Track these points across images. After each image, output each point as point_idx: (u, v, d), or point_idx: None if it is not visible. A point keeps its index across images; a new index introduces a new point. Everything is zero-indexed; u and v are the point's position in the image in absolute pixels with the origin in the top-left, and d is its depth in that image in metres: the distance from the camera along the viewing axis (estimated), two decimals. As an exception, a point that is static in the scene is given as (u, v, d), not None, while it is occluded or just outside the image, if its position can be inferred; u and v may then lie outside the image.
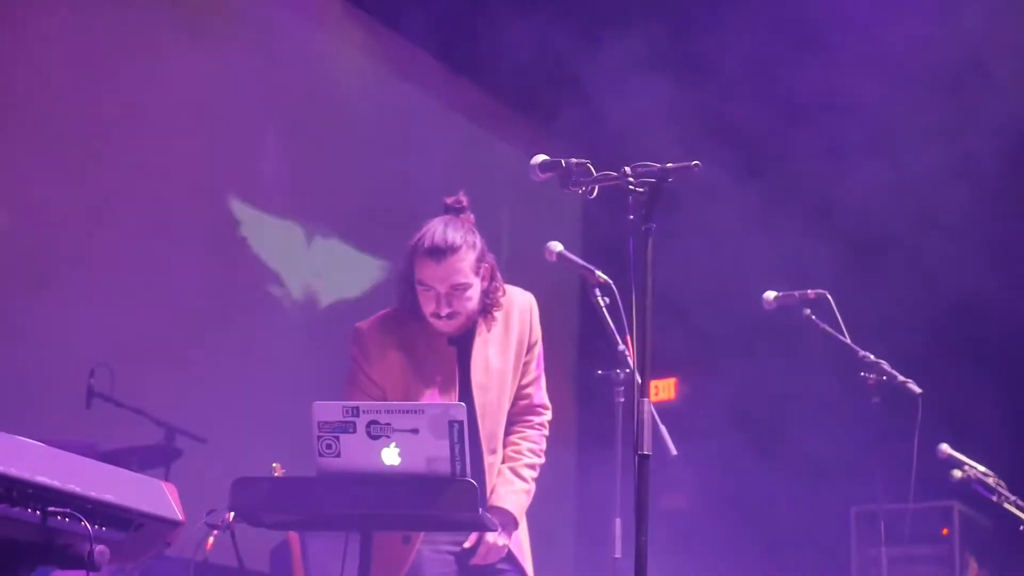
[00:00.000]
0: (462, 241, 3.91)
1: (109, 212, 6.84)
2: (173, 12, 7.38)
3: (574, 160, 3.29)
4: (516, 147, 9.56)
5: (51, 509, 2.42)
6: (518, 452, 4.09)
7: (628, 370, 4.08)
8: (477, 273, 3.96)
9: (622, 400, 4.42)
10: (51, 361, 6.15)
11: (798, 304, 4.53)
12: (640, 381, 3.06)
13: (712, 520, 8.40)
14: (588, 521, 8.85)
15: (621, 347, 3.93)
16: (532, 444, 4.13)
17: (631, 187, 3.09)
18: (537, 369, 4.20)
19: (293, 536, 4.32)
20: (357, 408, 3.33)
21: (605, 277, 3.97)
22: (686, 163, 3.06)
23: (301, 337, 7.85)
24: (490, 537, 3.87)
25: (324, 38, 8.50)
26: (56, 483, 2.43)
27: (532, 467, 4.09)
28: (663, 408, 4.11)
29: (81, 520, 2.44)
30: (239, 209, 7.76)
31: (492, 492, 3.96)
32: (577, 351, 9.76)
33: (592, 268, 4.00)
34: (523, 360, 4.14)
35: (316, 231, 8.25)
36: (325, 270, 8.31)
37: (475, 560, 3.91)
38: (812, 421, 7.74)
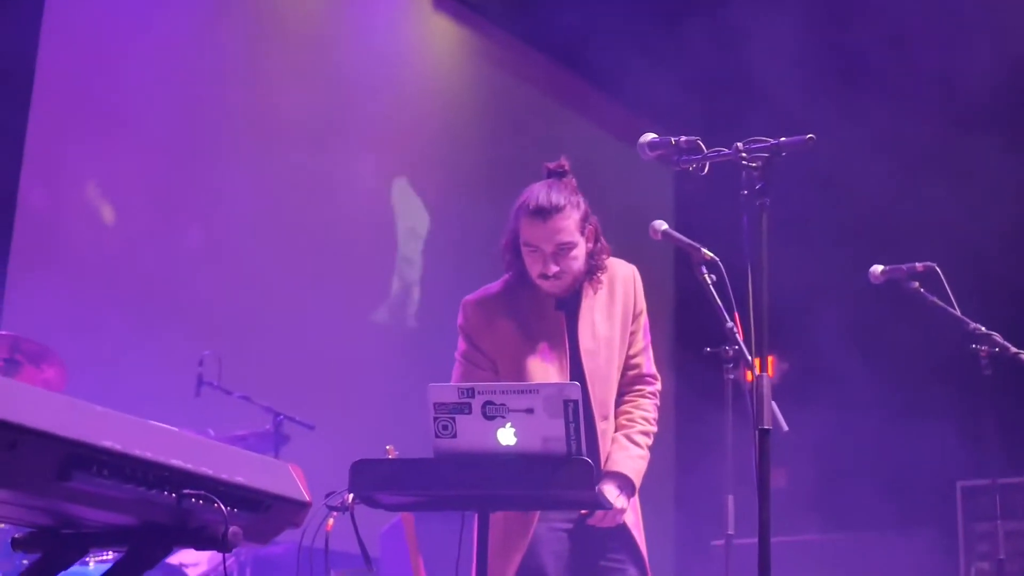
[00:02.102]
0: (566, 201, 3.97)
1: (215, 204, 6.97)
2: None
3: (683, 138, 3.29)
4: (604, 129, 9.58)
5: (186, 491, 2.46)
6: (631, 420, 4.12)
7: (736, 347, 4.07)
8: (582, 233, 4.01)
9: (731, 377, 4.40)
10: (159, 351, 6.28)
11: (906, 277, 4.48)
12: (756, 356, 3.06)
13: (810, 498, 8.35)
14: (687, 500, 8.87)
15: (729, 324, 3.92)
16: (645, 412, 4.15)
17: (744, 162, 3.08)
18: (644, 339, 4.24)
19: (407, 517, 4.36)
20: (472, 389, 3.36)
21: (711, 254, 3.95)
22: (800, 137, 3.05)
23: (404, 322, 7.93)
24: (610, 498, 3.89)
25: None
26: (190, 466, 2.47)
27: (647, 434, 4.11)
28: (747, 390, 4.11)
29: (215, 502, 2.49)
30: (348, 195, 7.85)
31: (607, 459, 4.00)
32: (674, 331, 9.76)
33: (698, 246, 3.98)
34: (630, 330, 4.18)
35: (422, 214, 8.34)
36: (431, 251, 8.39)
37: (592, 521, 3.90)
38: (917, 396, 7.66)
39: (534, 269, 3.98)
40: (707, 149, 3.23)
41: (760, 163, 3.06)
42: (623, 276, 4.21)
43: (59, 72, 6.53)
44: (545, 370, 4.00)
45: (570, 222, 3.97)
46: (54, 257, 6.33)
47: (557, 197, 3.96)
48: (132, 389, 5.84)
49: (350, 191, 7.89)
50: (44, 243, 6.35)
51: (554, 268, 3.96)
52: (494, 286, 4.14)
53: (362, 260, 7.95)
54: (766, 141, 3.07)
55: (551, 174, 4.11)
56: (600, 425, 4.02)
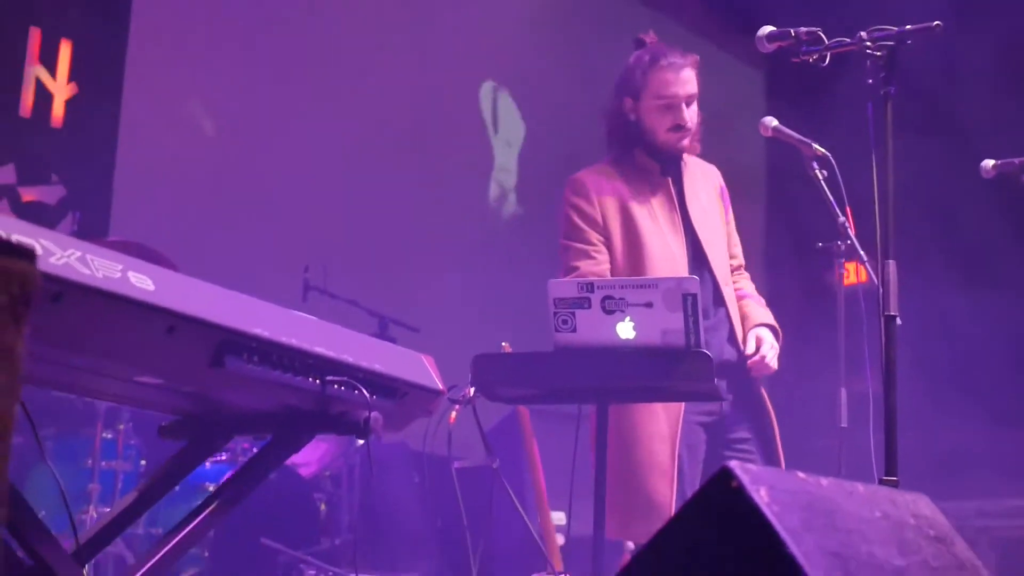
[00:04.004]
0: (688, 55, 4.09)
1: (314, 115, 7.04)
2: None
3: (803, 29, 3.28)
4: (694, 31, 9.51)
5: (329, 378, 2.54)
6: (749, 293, 4.28)
7: (849, 242, 4.09)
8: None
9: (843, 272, 4.41)
10: (267, 258, 6.39)
11: (1018, 171, 4.43)
12: (882, 246, 3.07)
13: (908, 397, 8.32)
14: (782, 399, 8.87)
15: (841, 219, 3.95)
16: (756, 294, 4.30)
17: (868, 51, 3.07)
18: (737, 235, 4.31)
19: (523, 410, 4.43)
20: (592, 284, 3.40)
21: (823, 150, 3.96)
22: (927, 23, 3.03)
23: (500, 228, 7.99)
24: (767, 341, 3.96)
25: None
26: (332, 354, 2.55)
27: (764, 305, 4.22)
28: (862, 290, 4.12)
29: (357, 388, 2.57)
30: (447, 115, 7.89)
31: (744, 318, 4.11)
32: (765, 226, 9.73)
33: (809, 141, 4.00)
34: (725, 220, 4.27)
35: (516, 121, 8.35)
36: (525, 159, 8.42)
37: (753, 362, 4.00)
38: (1015, 295, 7.58)
39: (666, 122, 4.05)
40: (828, 39, 3.21)
41: (885, 52, 3.05)
42: (709, 170, 4.33)
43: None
44: (660, 233, 4.04)
45: (695, 74, 4.09)
46: (158, 170, 6.44)
47: (680, 52, 4.08)
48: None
49: (445, 97, 7.92)
50: (148, 156, 6.46)
51: (686, 118, 4.04)
52: (597, 165, 4.18)
53: (459, 166, 7.99)
54: (890, 29, 3.05)
55: (642, 44, 4.18)
56: (724, 289, 4.11)
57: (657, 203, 4.10)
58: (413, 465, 5.80)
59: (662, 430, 3.91)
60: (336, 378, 2.55)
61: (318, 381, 2.53)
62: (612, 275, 3.99)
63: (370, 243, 6.98)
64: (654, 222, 4.06)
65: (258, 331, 2.39)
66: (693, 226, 4.13)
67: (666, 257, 4.02)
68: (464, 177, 8.07)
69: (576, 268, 3.99)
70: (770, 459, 4.06)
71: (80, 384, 2.50)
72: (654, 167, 4.14)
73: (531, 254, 7.47)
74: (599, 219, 4.04)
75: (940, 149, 7.61)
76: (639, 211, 4.05)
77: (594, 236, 4.03)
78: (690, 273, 4.01)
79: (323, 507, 5.81)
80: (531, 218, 8.24)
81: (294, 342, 2.47)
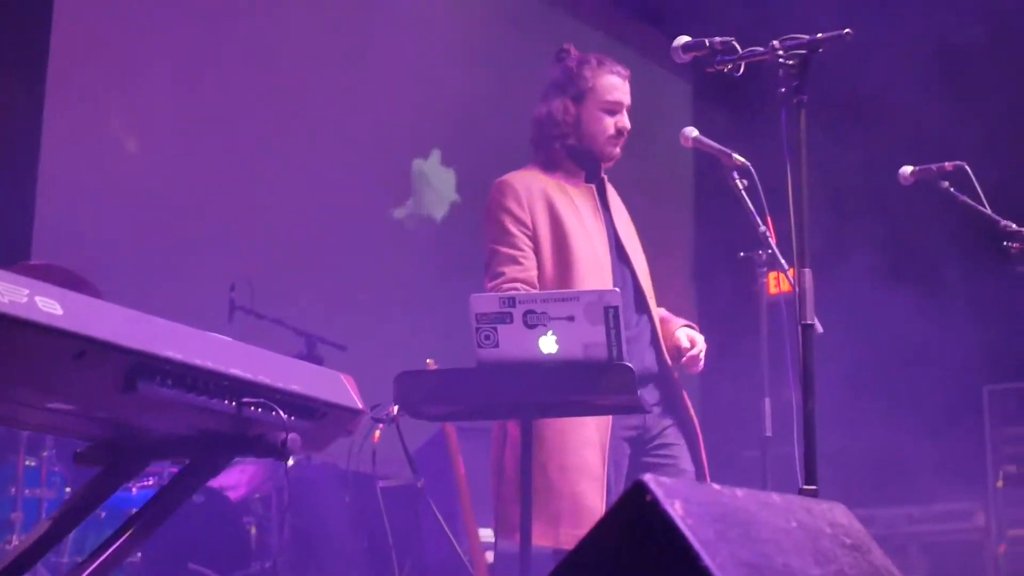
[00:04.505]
0: None
1: (238, 132, 7.00)
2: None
3: (718, 39, 3.30)
4: (621, 40, 9.55)
5: (245, 400, 2.51)
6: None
7: (770, 251, 4.11)
8: None
9: (764, 282, 4.44)
10: (193, 278, 6.34)
11: (936, 177, 4.49)
12: (798, 256, 3.09)
13: (835, 405, 8.39)
14: (709, 408, 8.93)
15: (762, 228, 3.97)
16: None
17: (780, 60, 3.09)
18: None
19: (449, 428, 4.42)
20: (513, 299, 3.39)
21: (743, 159, 3.98)
22: (837, 31, 3.05)
23: (422, 244, 7.98)
24: (701, 342, 4.03)
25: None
26: (248, 375, 2.52)
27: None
28: (784, 299, 4.15)
29: (274, 409, 2.54)
30: (363, 134, 7.87)
31: (664, 321, 4.16)
32: (694, 237, 9.79)
33: (729, 151, 4.02)
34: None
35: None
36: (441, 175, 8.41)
37: (686, 360, 4.06)
38: (944, 299, 7.67)
39: (609, 130, 4.09)
40: (742, 49, 3.23)
41: (797, 60, 3.08)
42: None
43: (78, 5, 6.53)
44: (588, 238, 4.04)
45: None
46: (80, 188, 6.37)
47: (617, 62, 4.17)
48: (164, 316, 5.89)
49: (372, 109, 7.89)
50: (71, 173, 6.37)
51: (625, 125, 4.11)
52: (523, 169, 4.17)
53: (383, 179, 7.96)
54: (802, 38, 3.08)
55: (565, 54, 4.22)
56: (647, 298, 4.14)
57: (584, 208, 4.10)
58: (343, 485, 5.76)
59: (591, 436, 3.91)
60: (252, 400, 2.52)
61: (234, 403, 2.50)
62: (539, 280, 3.98)
63: (296, 261, 6.94)
64: (582, 227, 4.05)
65: (170, 354, 2.36)
66: (617, 234, 4.16)
67: (593, 262, 4.02)
68: (387, 192, 8.04)
69: (502, 273, 3.96)
70: (695, 464, 4.08)
71: (-11, 412, 2.45)
72: (580, 173, 4.16)
73: (459, 269, 7.47)
74: (529, 222, 4.01)
75: (866, 151, 7.70)
76: (567, 216, 4.04)
77: (522, 241, 4.01)
78: (614, 280, 4.03)
79: (253, 530, 5.75)
80: (459, 229, 8.23)
81: (208, 364, 2.44)
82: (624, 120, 4.11)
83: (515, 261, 3.98)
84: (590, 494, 3.86)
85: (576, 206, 4.08)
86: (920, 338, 7.77)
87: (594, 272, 3.99)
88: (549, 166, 4.14)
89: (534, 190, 4.05)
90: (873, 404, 8.08)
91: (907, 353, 7.86)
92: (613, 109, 4.11)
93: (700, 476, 4.11)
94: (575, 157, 4.14)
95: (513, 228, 4.01)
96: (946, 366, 7.79)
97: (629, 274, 4.11)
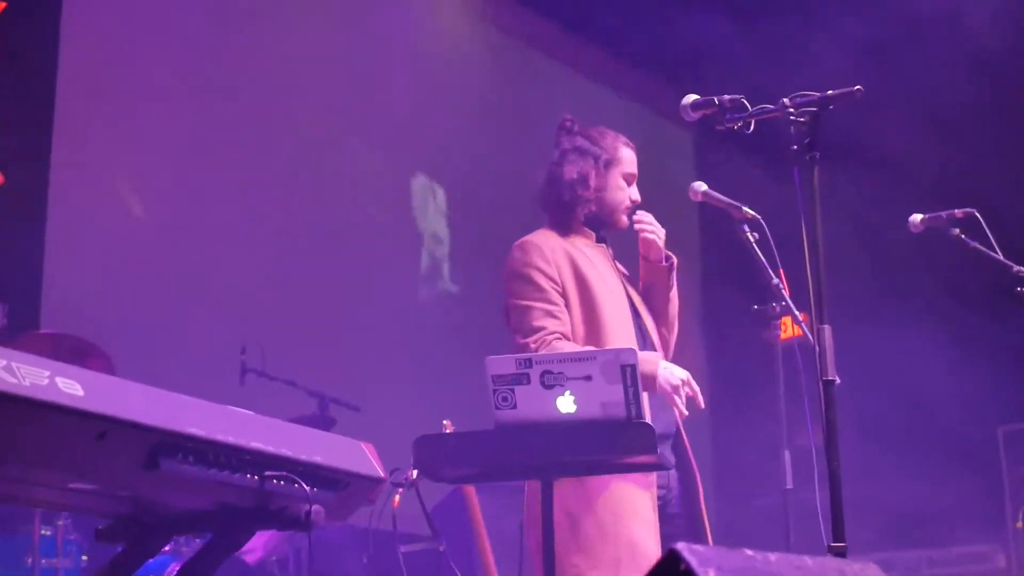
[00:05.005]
0: None
1: (242, 194, 7.01)
2: None
3: (727, 97, 3.31)
4: (618, 93, 9.60)
5: (268, 473, 2.50)
6: None
7: (784, 303, 4.10)
8: None
9: (777, 334, 4.43)
10: (203, 341, 6.33)
11: (946, 224, 4.48)
12: (816, 309, 3.08)
13: (852, 450, 8.35)
14: (724, 460, 8.89)
15: (775, 281, 3.96)
16: None
17: (791, 117, 3.09)
18: None
19: (469, 490, 4.39)
20: (529, 360, 3.37)
21: (753, 213, 3.99)
22: (848, 89, 3.06)
23: (435, 300, 7.98)
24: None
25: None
26: (270, 448, 2.51)
27: None
28: (798, 344, 4.14)
29: (297, 482, 2.53)
30: (374, 194, 7.91)
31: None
32: (701, 290, 9.79)
33: (739, 204, 4.02)
34: None
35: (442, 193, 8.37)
36: (454, 235, 8.44)
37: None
38: (959, 343, 7.65)
39: (626, 201, 4.16)
40: (752, 106, 3.24)
41: (808, 117, 3.08)
42: None
43: (81, 70, 6.55)
44: (611, 296, 4.05)
45: None
46: (88, 253, 6.37)
47: None
48: (176, 380, 5.86)
49: (371, 177, 7.92)
50: (78, 239, 6.38)
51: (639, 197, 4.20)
52: (540, 231, 4.17)
53: (390, 240, 7.98)
54: (812, 95, 3.09)
55: (570, 125, 4.26)
56: (662, 355, 4.11)
57: (602, 268, 4.12)
58: (361, 545, 5.72)
59: (638, 479, 3.90)
60: (274, 473, 2.52)
61: (256, 477, 2.50)
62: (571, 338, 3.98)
63: (307, 322, 6.94)
64: (604, 285, 4.07)
65: (192, 430, 2.35)
66: (629, 292, 4.17)
67: (618, 320, 4.03)
68: (395, 248, 8.06)
69: (542, 328, 3.94)
70: (694, 511, 4.07)
71: (10, 493, 2.44)
72: (591, 235, 4.19)
73: (468, 327, 7.48)
74: (558, 280, 4.01)
75: (879, 200, 7.71)
76: (591, 275, 4.05)
77: (555, 296, 4.00)
78: (636, 336, 4.04)
79: (270, 593, 5.72)
80: (464, 290, 8.24)
81: (230, 439, 2.44)
82: (635, 193, 4.18)
83: (552, 316, 3.97)
84: (647, 539, 3.87)
85: (595, 265, 4.10)
86: (933, 381, 7.74)
87: (621, 329, 4.00)
88: (565, 228, 4.16)
89: (557, 250, 4.06)
90: (888, 447, 8.04)
91: (920, 396, 7.83)
92: (629, 181, 4.18)
93: (698, 522, 4.08)
94: (589, 222, 4.17)
95: (545, 284, 4.00)
96: (960, 408, 7.76)
97: (647, 337, 4.12)
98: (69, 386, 2.16)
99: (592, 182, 4.09)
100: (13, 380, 2.05)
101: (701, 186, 4.16)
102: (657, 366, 3.89)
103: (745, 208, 4.00)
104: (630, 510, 3.89)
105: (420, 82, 8.27)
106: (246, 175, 7.06)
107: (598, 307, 4.00)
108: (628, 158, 4.18)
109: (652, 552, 3.86)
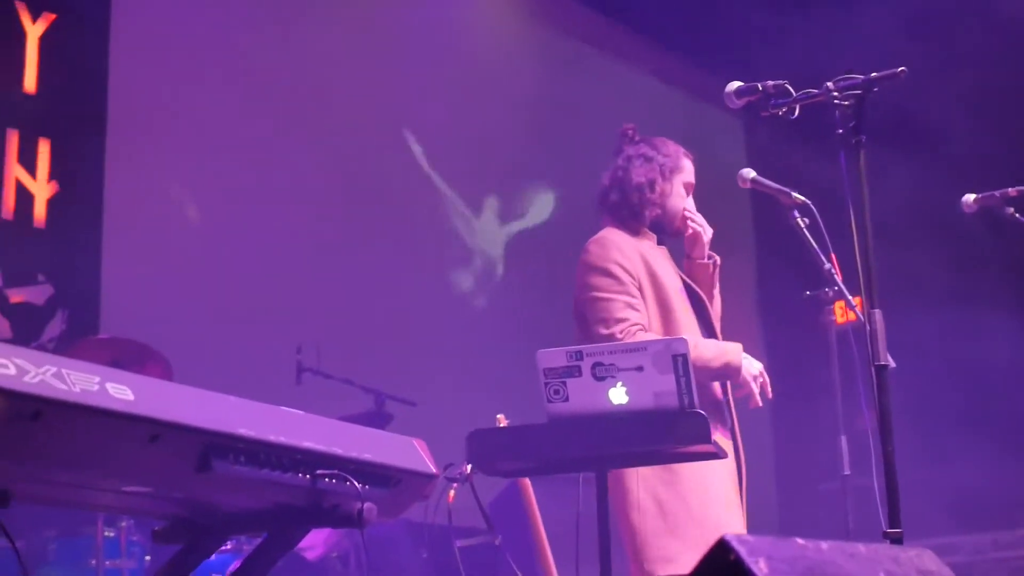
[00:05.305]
0: None
1: (300, 195, 7.06)
2: None
3: (771, 83, 3.29)
4: (673, 85, 9.56)
5: (319, 472, 2.52)
6: None
7: (836, 288, 4.07)
8: None
9: (831, 319, 4.40)
10: (260, 342, 6.38)
11: (1000, 203, 4.42)
12: (866, 294, 3.05)
13: (917, 430, 8.25)
14: (785, 446, 8.83)
15: (827, 266, 3.94)
16: None
17: (836, 101, 3.07)
18: None
19: (525, 483, 4.40)
20: (580, 352, 3.37)
21: (803, 198, 3.96)
22: (892, 70, 3.03)
23: (489, 295, 7.99)
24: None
25: None
26: (322, 447, 2.52)
27: None
28: (852, 328, 4.10)
29: (348, 480, 2.54)
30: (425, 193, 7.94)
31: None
32: (756, 275, 9.73)
33: (788, 191, 4.00)
34: None
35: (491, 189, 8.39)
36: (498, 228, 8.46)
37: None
38: (1019, 324, 7.55)
39: (685, 208, 4.26)
40: (795, 91, 3.21)
41: (852, 100, 3.05)
42: None
43: (132, 76, 6.62)
44: (680, 293, 4.16)
45: None
46: (145, 261, 6.44)
47: None
48: (234, 382, 5.92)
49: (423, 175, 7.95)
50: (134, 248, 6.45)
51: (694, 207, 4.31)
52: (608, 230, 4.24)
53: (444, 237, 8.01)
54: (856, 78, 3.06)
55: (632, 134, 4.37)
56: None
57: (667, 267, 4.22)
58: (420, 541, 5.74)
59: (724, 464, 3.96)
60: (326, 471, 2.53)
61: (308, 476, 2.51)
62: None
63: (361, 320, 6.98)
64: (672, 282, 4.16)
65: (243, 431, 2.37)
66: (690, 289, 4.26)
67: (686, 315, 4.13)
68: (451, 244, 8.08)
69: (625, 319, 4.00)
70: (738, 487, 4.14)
71: (66, 498, 2.47)
72: (653, 237, 4.29)
73: (526, 322, 7.48)
74: (635, 275, 4.09)
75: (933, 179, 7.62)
76: (662, 272, 4.15)
77: (634, 290, 4.08)
78: (703, 333, 4.15)
79: (333, 588, 5.75)
80: (518, 284, 8.25)
81: (281, 439, 2.45)
82: (692, 203, 4.29)
83: (633, 308, 4.04)
84: (733, 520, 3.97)
85: (662, 266, 4.19)
86: (1000, 362, 7.65)
87: (690, 324, 4.10)
88: (631, 230, 4.24)
89: (632, 248, 4.16)
90: (954, 429, 7.94)
91: (987, 377, 7.74)
92: (688, 190, 4.29)
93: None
94: (652, 226, 4.28)
95: (625, 278, 4.07)
96: (1013, 394, 7.67)
97: (711, 325, 4.24)
98: (119, 391, 2.18)
99: (658, 187, 4.22)
100: (63, 387, 2.07)
101: (750, 173, 4.15)
102: (741, 357, 4.01)
103: (795, 194, 3.97)
104: (716, 493, 3.98)
105: (467, 79, 8.27)
106: (299, 177, 7.10)
107: (669, 301, 4.10)
108: (688, 168, 4.30)
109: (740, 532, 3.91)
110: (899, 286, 8.32)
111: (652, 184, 4.21)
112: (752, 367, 4.03)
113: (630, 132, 4.37)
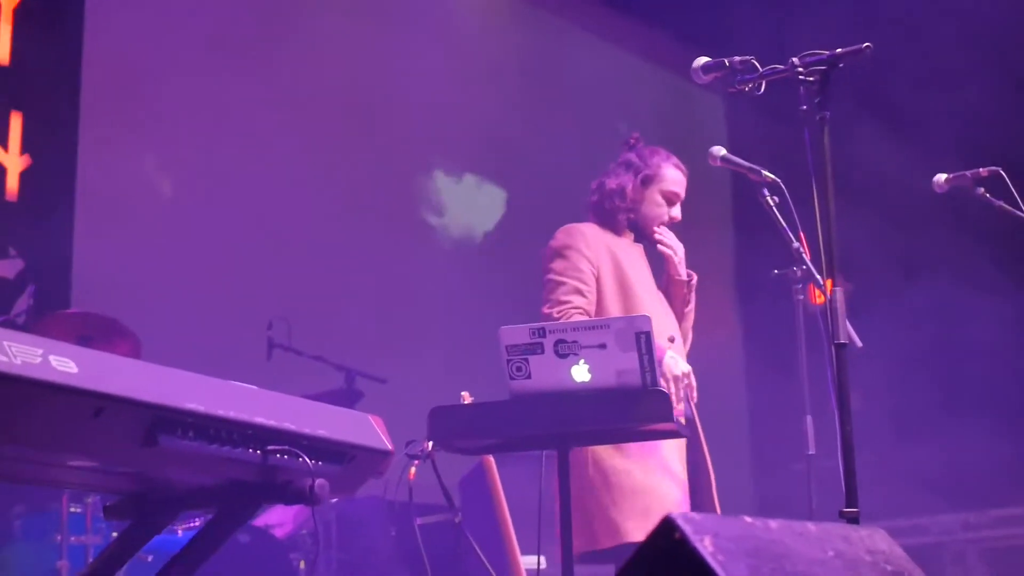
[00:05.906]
0: None
1: (271, 170, 7.02)
2: None
3: (738, 58, 3.27)
4: (653, 60, 9.53)
5: (271, 448, 2.49)
6: None
7: (804, 267, 4.05)
8: None
9: (801, 298, 4.39)
10: (231, 317, 6.34)
11: (971, 183, 4.41)
12: (828, 273, 3.03)
13: (885, 417, 8.27)
14: (761, 423, 8.83)
15: (796, 245, 3.92)
16: None
17: (801, 77, 3.04)
18: None
19: (489, 461, 4.38)
20: (543, 329, 3.35)
21: (772, 176, 3.94)
22: (856, 46, 3.00)
23: (460, 272, 7.97)
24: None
25: None
26: (272, 422, 2.49)
27: None
28: (820, 311, 4.08)
29: (300, 456, 2.51)
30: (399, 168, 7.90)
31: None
32: (734, 252, 9.72)
33: (758, 168, 3.98)
34: None
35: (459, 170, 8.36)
36: (473, 204, 8.44)
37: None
38: (999, 302, 7.55)
39: (662, 215, 4.33)
40: (762, 67, 3.19)
41: (817, 77, 3.03)
42: None
43: (106, 51, 6.57)
44: (649, 289, 4.24)
45: None
46: (117, 236, 6.38)
47: None
48: (203, 358, 5.88)
49: (396, 153, 7.91)
50: (106, 223, 6.40)
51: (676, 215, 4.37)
52: (584, 223, 4.36)
53: (417, 214, 7.98)
54: (822, 54, 3.03)
55: (633, 141, 4.49)
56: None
57: (638, 263, 4.32)
58: (389, 518, 5.73)
59: (672, 443, 4.02)
60: (278, 447, 2.50)
61: (259, 452, 2.48)
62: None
63: (332, 296, 6.94)
64: (639, 275, 4.26)
65: (192, 406, 2.33)
66: (660, 290, 4.37)
67: (652, 308, 4.17)
68: (424, 226, 8.05)
69: (568, 301, 4.10)
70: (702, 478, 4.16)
71: (11, 473, 2.44)
72: (631, 235, 4.40)
73: (496, 298, 7.46)
74: (596, 264, 4.19)
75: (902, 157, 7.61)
76: (629, 267, 4.24)
77: (589, 277, 4.17)
78: (669, 333, 4.18)
79: (302, 564, 5.73)
80: (492, 262, 8.22)
81: (231, 414, 2.42)
82: (677, 212, 4.37)
83: (580, 294, 4.13)
84: (676, 493, 4.01)
85: (631, 259, 4.29)
86: (972, 341, 7.65)
87: (654, 312, 4.10)
88: (612, 228, 4.36)
89: (599, 239, 4.26)
90: (926, 410, 7.95)
91: (960, 355, 7.75)
92: (671, 199, 4.35)
93: (706, 484, 4.18)
94: (631, 226, 4.40)
95: (582, 265, 4.18)
96: (999, 368, 7.67)
97: (674, 320, 4.30)
98: (63, 364, 2.14)
99: (628, 195, 4.32)
100: (3, 359, 2.04)
101: (720, 151, 4.12)
102: (665, 352, 4.00)
103: (765, 172, 3.95)
104: (660, 465, 4.01)
105: (450, 59, 8.23)
106: (272, 154, 7.05)
107: (632, 288, 4.18)
108: (671, 178, 4.35)
109: (682, 506, 3.99)
110: (888, 265, 8.38)
111: (622, 191, 4.32)
112: (676, 367, 3.98)
113: (631, 140, 4.49)
